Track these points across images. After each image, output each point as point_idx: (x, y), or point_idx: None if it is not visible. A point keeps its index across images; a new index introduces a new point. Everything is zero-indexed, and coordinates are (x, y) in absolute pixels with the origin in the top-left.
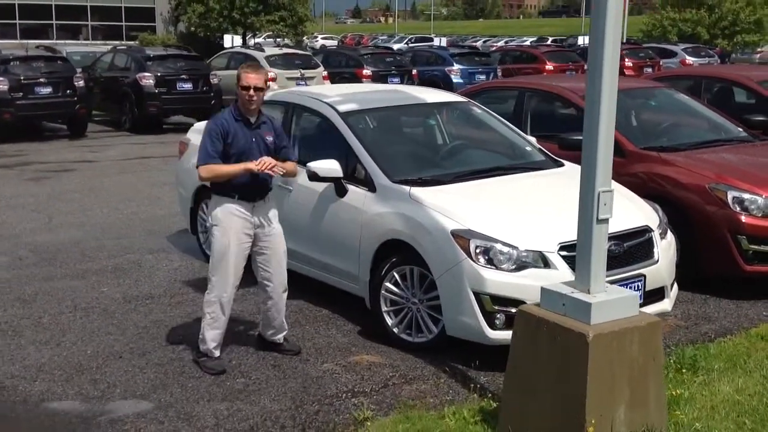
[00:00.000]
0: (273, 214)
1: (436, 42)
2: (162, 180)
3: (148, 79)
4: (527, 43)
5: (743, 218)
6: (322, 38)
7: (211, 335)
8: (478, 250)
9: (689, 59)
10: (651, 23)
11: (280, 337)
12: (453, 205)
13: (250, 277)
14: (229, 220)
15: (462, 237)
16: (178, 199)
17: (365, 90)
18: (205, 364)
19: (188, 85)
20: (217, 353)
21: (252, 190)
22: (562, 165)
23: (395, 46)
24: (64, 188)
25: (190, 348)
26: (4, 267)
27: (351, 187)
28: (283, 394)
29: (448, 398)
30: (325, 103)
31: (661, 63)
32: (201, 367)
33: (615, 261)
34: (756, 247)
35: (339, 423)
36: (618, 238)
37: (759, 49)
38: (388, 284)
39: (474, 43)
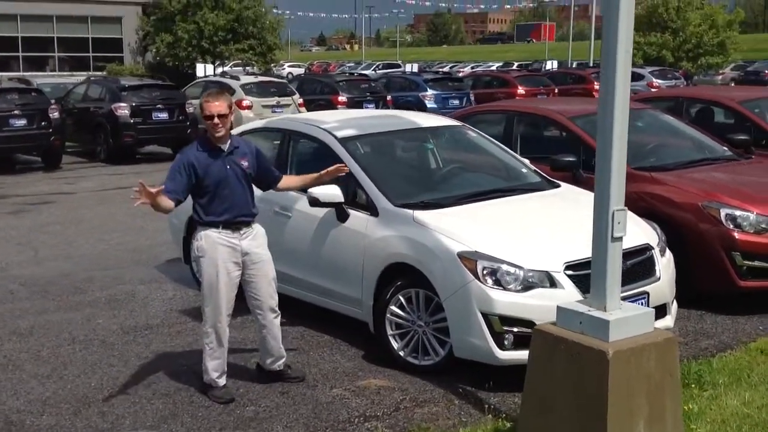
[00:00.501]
0: (260, 241)
1: (406, 68)
2: (143, 210)
3: (123, 109)
4: (493, 68)
5: (736, 235)
6: (289, 66)
7: (213, 365)
8: (485, 272)
9: (656, 81)
10: None
11: (280, 364)
12: (457, 228)
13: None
14: (215, 251)
15: (469, 259)
16: (170, 229)
17: (361, 116)
18: (213, 394)
19: (164, 115)
20: (221, 382)
21: (236, 219)
22: (558, 186)
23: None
24: (45, 221)
25: (195, 377)
26: None
27: (352, 212)
28: (295, 420)
29: (461, 420)
30: (323, 129)
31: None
32: (210, 398)
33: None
34: (750, 262)
35: None
36: (623, 256)
37: (720, 71)
38: (393, 308)
39: (440, 69)
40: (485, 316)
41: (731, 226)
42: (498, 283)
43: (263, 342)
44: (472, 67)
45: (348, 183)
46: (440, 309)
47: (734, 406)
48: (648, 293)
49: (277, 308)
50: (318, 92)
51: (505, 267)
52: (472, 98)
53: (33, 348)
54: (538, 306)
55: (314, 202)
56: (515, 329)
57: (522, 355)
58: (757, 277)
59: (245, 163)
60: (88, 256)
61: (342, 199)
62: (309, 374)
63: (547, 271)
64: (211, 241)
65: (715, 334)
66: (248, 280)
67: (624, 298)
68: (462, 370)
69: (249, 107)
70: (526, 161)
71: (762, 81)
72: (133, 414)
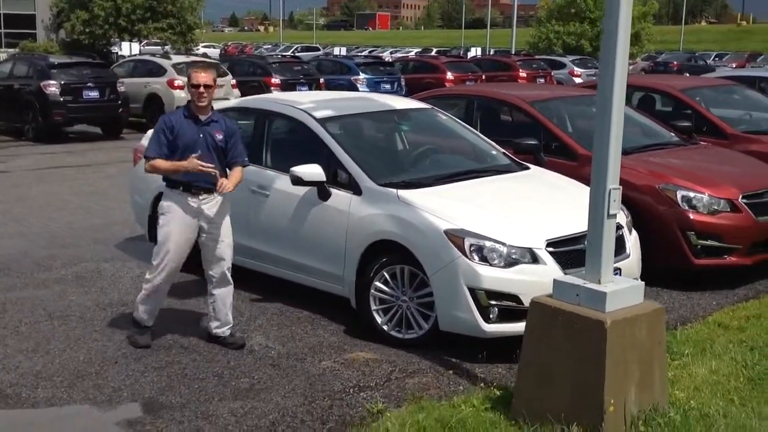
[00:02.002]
0: (221, 209)
1: (334, 51)
2: (85, 189)
3: (52, 87)
4: (412, 53)
5: (691, 215)
6: (203, 46)
7: (144, 308)
8: (472, 248)
9: (577, 70)
10: (537, 36)
11: (225, 330)
12: (442, 206)
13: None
14: (174, 210)
15: (456, 236)
16: (133, 207)
17: (335, 97)
18: (134, 333)
19: (95, 93)
20: (149, 323)
21: (196, 183)
22: (527, 168)
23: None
24: None
25: (185, 352)
26: None
27: (334, 191)
28: (292, 391)
29: (452, 389)
30: (300, 109)
31: (552, 74)
32: (129, 339)
33: None
34: (704, 242)
35: (355, 416)
36: None
37: (632, 61)
38: (377, 283)
39: (359, 54)
40: (472, 290)
41: (686, 208)
42: (484, 259)
43: (212, 306)
44: (391, 52)
45: (329, 162)
46: (424, 284)
47: (703, 375)
48: (620, 269)
49: (229, 278)
50: (251, 74)
51: (490, 244)
52: (403, 83)
53: (10, 324)
54: (522, 281)
55: (297, 180)
56: (501, 303)
57: (506, 327)
58: (710, 255)
59: (219, 136)
60: (42, 235)
61: (324, 178)
62: (295, 347)
63: (530, 248)
64: (171, 200)
65: (674, 309)
66: (203, 244)
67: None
68: (442, 344)
69: (181, 87)
70: (494, 144)
71: (670, 71)
72: (129, 386)
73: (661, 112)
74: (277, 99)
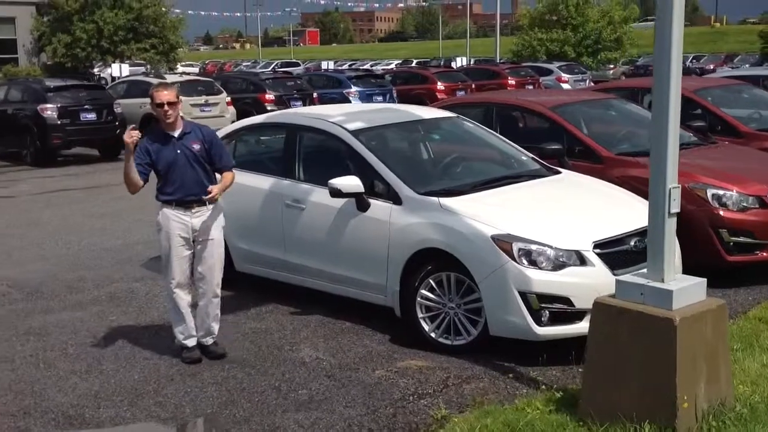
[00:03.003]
0: (214, 222)
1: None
2: (97, 211)
3: (50, 111)
4: (392, 66)
5: (722, 213)
6: (182, 66)
7: (178, 329)
8: (521, 253)
9: (564, 76)
10: (521, 44)
11: (208, 340)
12: (486, 213)
13: (267, 294)
14: (168, 225)
15: (504, 241)
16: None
17: (362, 109)
18: (183, 355)
19: (92, 115)
20: (189, 344)
21: (186, 198)
22: (559, 172)
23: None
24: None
25: (238, 367)
26: None
27: (373, 202)
28: (352, 401)
29: (510, 393)
30: (332, 122)
31: (540, 80)
32: (182, 359)
33: (641, 256)
34: (736, 238)
35: (420, 423)
36: (640, 234)
37: (611, 66)
38: (423, 291)
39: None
40: (523, 294)
41: (717, 205)
42: (533, 263)
43: (199, 316)
44: (371, 65)
45: (365, 174)
46: (472, 291)
47: (756, 369)
48: None
49: (218, 290)
50: (244, 90)
51: (538, 247)
52: (395, 94)
53: (57, 346)
54: (573, 283)
55: (336, 192)
56: (552, 306)
57: (558, 330)
58: (742, 251)
59: (196, 147)
60: (65, 257)
61: (363, 189)
62: (346, 358)
63: (577, 250)
64: (165, 216)
65: None
66: (195, 255)
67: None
68: (491, 349)
69: None
70: (523, 150)
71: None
72: (190, 402)
73: None
74: (306, 113)
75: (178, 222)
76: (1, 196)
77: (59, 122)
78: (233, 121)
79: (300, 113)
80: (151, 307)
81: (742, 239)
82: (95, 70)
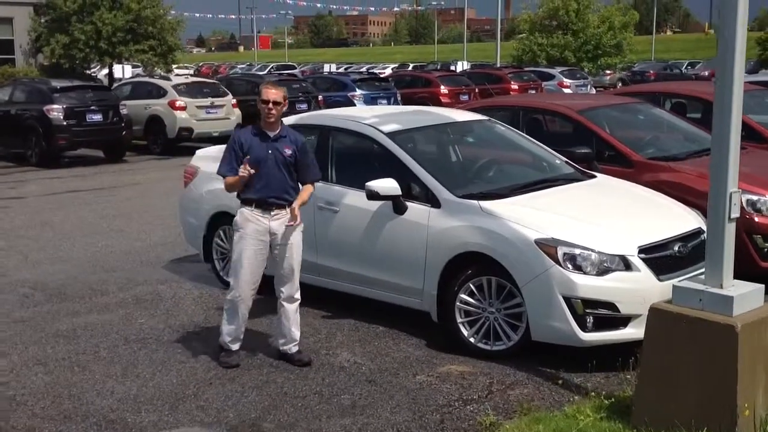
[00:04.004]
0: (293, 226)
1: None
2: (110, 213)
3: (56, 112)
4: (389, 69)
5: (756, 219)
6: (176, 68)
7: (227, 330)
8: (565, 257)
9: (566, 81)
10: (521, 48)
11: (290, 347)
12: (528, 216)
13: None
14: (246, 226)
15: (548, 245)
16: (184, 228)
17: (393, 111)
18: (222, 357)
19: (98, 117)
20: (234, 347)
21: (268, 200)
22: (594, 176)
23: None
24: (13, 225)
25: (277, 371)
26: (17, 306)
27: (411, 204)
28: (397, 406)
29: (556, 399)
30: (367, 124)
31: (542, 85)
32: (219, 361)
33: (684, 261)
34: None
35: (469, 429)
36: (683, 239)
37: (608, 72)
38: (463, 296)
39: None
40: (567, 299)
41: (752, 211)
42: (577, 267)
43: (278, 322)
44: (367, 69)
45: (401, 176)
46: (513, 295)
47: None
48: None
49: (296, 294)
50: (249, 92)
51: (583, 252)
52: (399, 98)
53: (88, 349)
54: (618, 288)
55: (373, 195)
56: (597, 311)
57: (603, 335)
58: None
59: (288, 151)
60: (84, 259)
61: (400, 192)
62: (385, 363)
63: (622, 255)
64: (244, 217)
65: None
66: (274, 260)
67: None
68: (531, 354)
69: (183, 108)
70: (556, 153)
71: (648, 81)
72: (233, 407)
73: (694, 119)
74: (338, 115)
75: (256, 224)
76: (11, 197)
77: (65, 123)
78: (238, 123)
79: (332, 115)
80: (179, 311)
81: None
82: (92, 71)
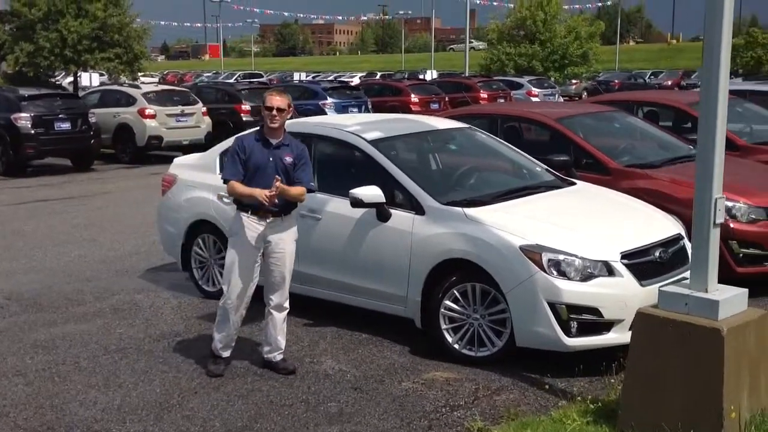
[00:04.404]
0: (288, 234)
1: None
2: (81, 222)
3: (24, 120)
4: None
5: (732, 225)
6: (142, 76)
7: (218, 336)
8: (550, 263)
9: (534, 90)
10: (489, 57)
11: (275, 355)
12: (513, 223)
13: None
14: (241, 232)
15: (533, 252)
16: (162, 237)
17: (376, 119)
18: (209, 364)
19: (66, 125)
20: (224, 354)
21: (264, 207)
22: (575, 183)
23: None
24: None
25: (260, 378)
26: None
27: (394, 212)
28: (385, 413)
29: (541, 404)
30: (350, 132)
31: (511, 94)
32: (206, 369)
33: (665, 267)
34: (745, 250)
35: None
36: (664, 245)
37: (573, 81)
38: (447, 302)
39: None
40: (552, 305)
41: (727, 217)
42: (562, 273)
43: (265, 330)
44: (335, 78)
45: (385, 183)
46: (497, 301)
47: None
48: (687, 279)
49: (286, 303)
50: (219, 101)
51: (567, 258)
52: (370, 106)
53: (68, 360)
54: (601, 294)
55: (357, 202)
56: (581, 316)
57: (587, 341)
58: (752, 263)
59: (288, 159)
60: (58, 269)
61: (384, 200)
62: (369, 370)
63: (605, 261)
64: (240, 223)
65: None
66: (265, 267)
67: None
68: (514, 360)
69: (153, 116)
70: (536, 161)
71: (612, 90)
72: (219, 416)
73: (666, 126)
74: (320, 122)
75: (252, 230)
76: None
77: (33, 132)
78: (209, 132)
79: (314, 122)
80: (158, 320)
81: (751, 251)
82: (56, 80)
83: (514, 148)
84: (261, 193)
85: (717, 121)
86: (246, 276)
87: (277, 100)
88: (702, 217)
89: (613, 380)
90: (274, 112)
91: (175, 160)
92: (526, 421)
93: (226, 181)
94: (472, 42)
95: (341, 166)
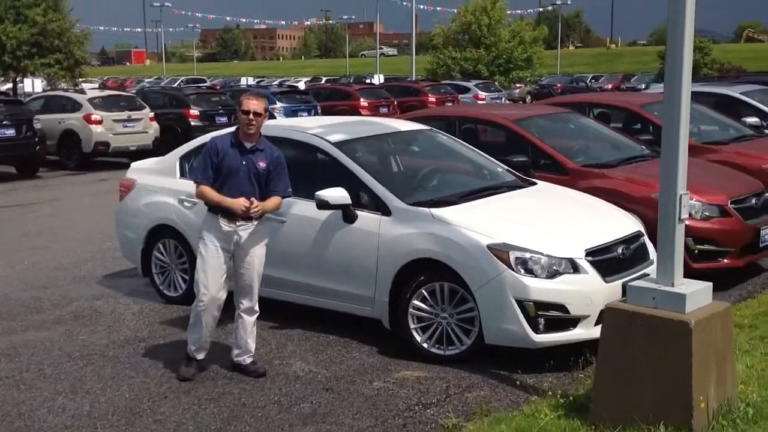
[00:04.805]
0: (257, 237)
1: (241, 82)
2: (30, 230)
3: None
4: (301, 83)
5: (688, 222)
6: (81, 81)
7: (192, 339)
8: (517, 261)
9: (482, 94)
10: (435, 62)
11: (245, 359)
12: (479, 222)
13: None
14: (210, 234)
15: (500, 250)
16: (121, 242)
17: (338, 122)
18: (181, 367)
19: (11, 131)
20: (198, 356)
21: (235, 210)
22: (535, 183)
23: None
24: None
25: (232, 382)
26: None
27: (360, 213)
28: (358, 413)
29: (513, 401)
30: (312, 134)
31: (459, 98)
32: (178, 372)
33: (627, 263)
34: (701, 246)
35: (432, 431)
36: (625, 242)
37: (518, 85)
38: (415, 302)
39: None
40: (520, 302)
41: None
42: (529, 271)
43: (235, 333)
44: (280, 83)
45: (350, 185)
46: (465, 300)
47: (743, 370)
48: (648, 275)
49: (256, 307)
50: (167, 105)
51: (534, 256)
52: (319, 110)
53: (31, 367)
54: (568, 290)
55: (323, 204)
56: (548, 313)
57: (554, 337)
58: (707, 258)
59: (262, 164)
60: (12, 277)
61: (350, 201)
62: (340, 371)
63: (571, 258)
64: (209, 224)
65: None
66: (235, 270)
67: (630, 281)
68: (482, 358)
69: (99, 122)
70: (497, 161)
71: (555, 94)
72: (192, 419)
73: (619, 128)
74: (282, 125)
75: (221, 232)
76: None
77: None
78: (156, 137)
79: (275, 125)
80: (121, 326)
81: (706, 247)
82: None
83: (475, 149)
84: (240, 205)
85: (681, 120)
86: (216, 278)
87: (254, 104)
88: (667, 213)
89: (581, 375)
90: (251, 116)
91: (133, 164)
92: (499, 417)
93: (196, 182)
94: (381, 48)
95: (304, 168)
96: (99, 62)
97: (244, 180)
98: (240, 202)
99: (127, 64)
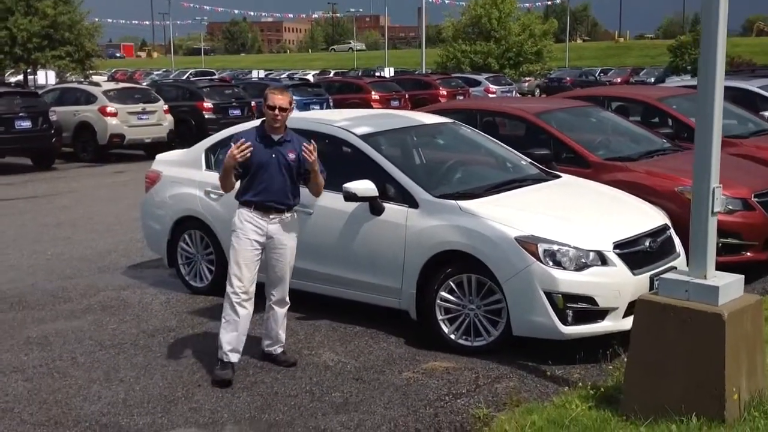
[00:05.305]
0: (289, 231)
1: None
2: (50, 221)
3: None
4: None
5: None
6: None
7: (226, 338)
8: (545, 253)
9: (492, 87)
10: (445, 55)
11: (276, 348)
12: (507, 215)
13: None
14: (242, 227)
15: (528, 242)
16: (146, 233)
17: (363, 115)
18: (216, 371)
19: (27, 123)
20: (233, 358)
21: (266, 203)
22: (560, 176)
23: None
24: None
25: (261, 371)
26: None
27: (387, 205)
28: (390, 402)
29: (542, 392)
30: (339, 127)
31: (470, 91)
32: (213, 375)
33: (654, 256)
34: (724, 240)
35: (464, 422)
36: (652, 235)
37: (527, 79)
38: (443, 293)
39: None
40: (548, 294)
41: None
42: (557, 263)
43: (266, 324)
44: (290, 76)
45: (376, 178)
46: (492, 292)
47: None
48: (676, 268)
49: (287, 298)
50: (180, 98)
51: (562, 248)
52: (331, 103)
53: (64, 355)
54: (596, 283)
55: (350, 197)
56: (576, 305)
57: (583, 329)
58: (730, 252)
59: (291, 156)
60: (37, 267)
61: (377, 193)
62: (368, 361)
63: (599, 251)
64: (242, 218)
65: None
66: (267, 262)
67: (661, 273)
68: (510, 349)
69: (114, 114)
70: (521, 154)
71: (564, 87)
72: (226, 408)
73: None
74: (308, 118)
75: (254, 225)
76: None
77: None
78: (171, 130)
79: (301, 118)
80: (149, 316)
81: (730, 240)
82: (4, 77)
83: (498, 142)
84: (230, 155)
85: (714, 114)
86: (250, 272)
87: (280, 99)
88: (701, 205)
89: (609, 367)
90: (277, 111)
91: (158, 156)
92: (529, 407)
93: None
94: (350, 42)
95: (330, 161)
96: (108, 55)
97: (275, 173)
98: (228, 153)
99: (121, 56)
